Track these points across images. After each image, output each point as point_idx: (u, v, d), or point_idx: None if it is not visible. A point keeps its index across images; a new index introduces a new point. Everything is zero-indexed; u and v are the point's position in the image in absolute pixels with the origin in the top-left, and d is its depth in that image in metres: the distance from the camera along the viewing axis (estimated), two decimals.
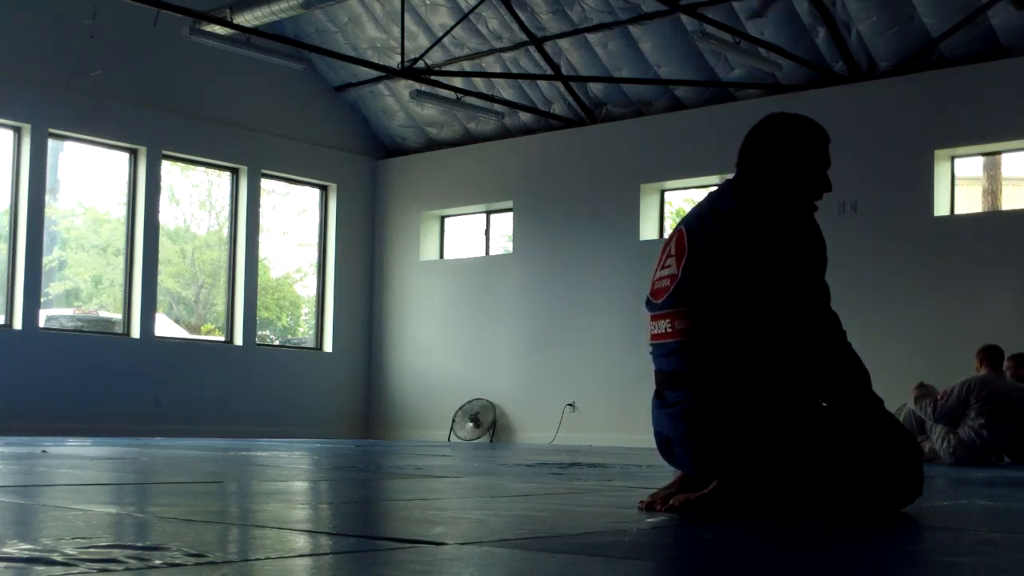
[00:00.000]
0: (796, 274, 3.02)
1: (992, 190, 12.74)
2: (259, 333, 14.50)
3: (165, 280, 13.95)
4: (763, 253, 3.01)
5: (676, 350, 3.09)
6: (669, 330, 3.11)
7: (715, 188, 3.28)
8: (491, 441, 13.69)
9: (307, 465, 6.12)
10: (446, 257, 15.14)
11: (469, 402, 14.13)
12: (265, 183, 14.52)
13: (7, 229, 12.24)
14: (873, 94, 11.51)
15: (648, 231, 13.15)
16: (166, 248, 13.91)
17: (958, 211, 11.41)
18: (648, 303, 3.20)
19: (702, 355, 3.04)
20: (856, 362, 3.06)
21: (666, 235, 13.37)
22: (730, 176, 3.33)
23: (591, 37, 12.54)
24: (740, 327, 3.01)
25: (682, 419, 3.08)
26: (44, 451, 6.94)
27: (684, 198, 15.29)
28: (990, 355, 8.39)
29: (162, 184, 13.42)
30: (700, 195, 14.86)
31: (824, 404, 3.11)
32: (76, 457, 6.35)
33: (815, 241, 3.06)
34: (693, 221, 3.16)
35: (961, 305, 10.81)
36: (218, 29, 11.53)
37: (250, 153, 14.10)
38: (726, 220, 3.06)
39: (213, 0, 11.63)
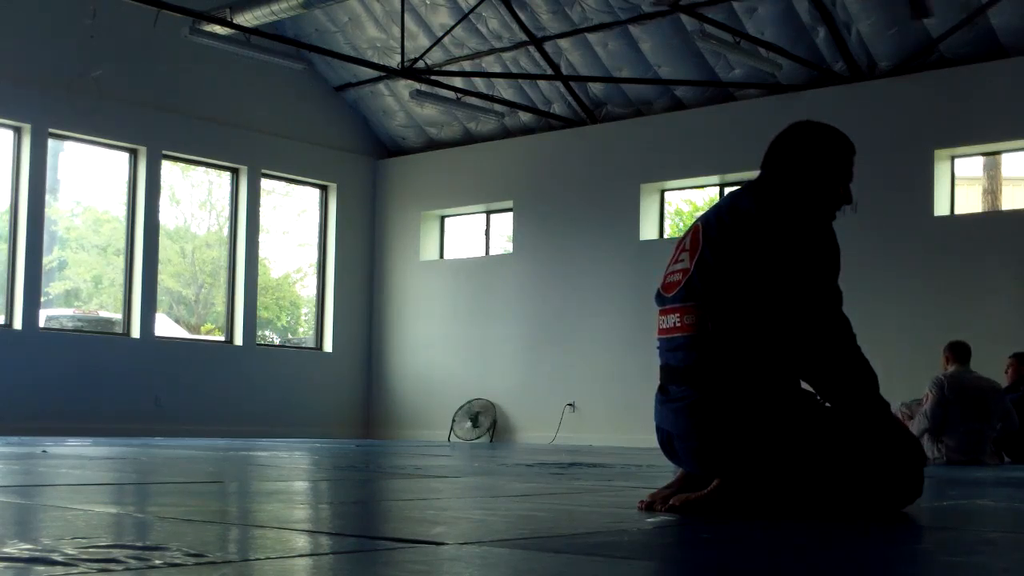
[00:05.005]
0: (807, 276, 3.02)
1: (992, 190, 12.74)
2: (259, 333, 14.50)
3: (165, 280, 13.95)
4: (775, 253, 3.01)
5: (683, 345, 3.09)
6: (678, 324, 3.11)
7: (736, 188, 3.29)
8: (491, 441, 13.69)
9: (307, 465, 6.12)
10: (446, 257, 15.14)
11: (469, 402, 14.13)
12: (265, 183, 14.52)
13: (7, 229, 12.25)
14: (873, 94, 11.51)
15: (648, 231, 13.15)
16: (166, 248, 13.91)
17: (958, 211, 11.41)
18: (658, 296, 3.21)
19: (708, 351, 3.04)
20: (864, 366, 3.07)
21: (667, 235, 13.44)
22: (744, 176, 3.34)
23: (591, 37, 12.54)
24: (748, 325, 3.02)
25: (685, 415, 3.08)
26: (44, 451, 6.94)
27: (684, 198, 15.30)
28: (956, 352, 8.28)
29: (162, 184, 13.42)
30: (700, 195, 14.91)
31: (828, 405, 3.11)
32: (76, 457, 6.35)
33: (829, 245, 3.07)
34: (710, 217, 3.17)
35: (961, 305, 10.81)
36: (218, 29, 11.53)
37: (250, 153, 14.10)
38: (742, 217, 3.07)
39: (213, 0, 11.63)
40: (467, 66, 13.51)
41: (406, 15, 12.75)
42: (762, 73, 11.91)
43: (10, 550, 1.99)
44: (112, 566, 1.82)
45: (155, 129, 13.14)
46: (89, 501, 3.25)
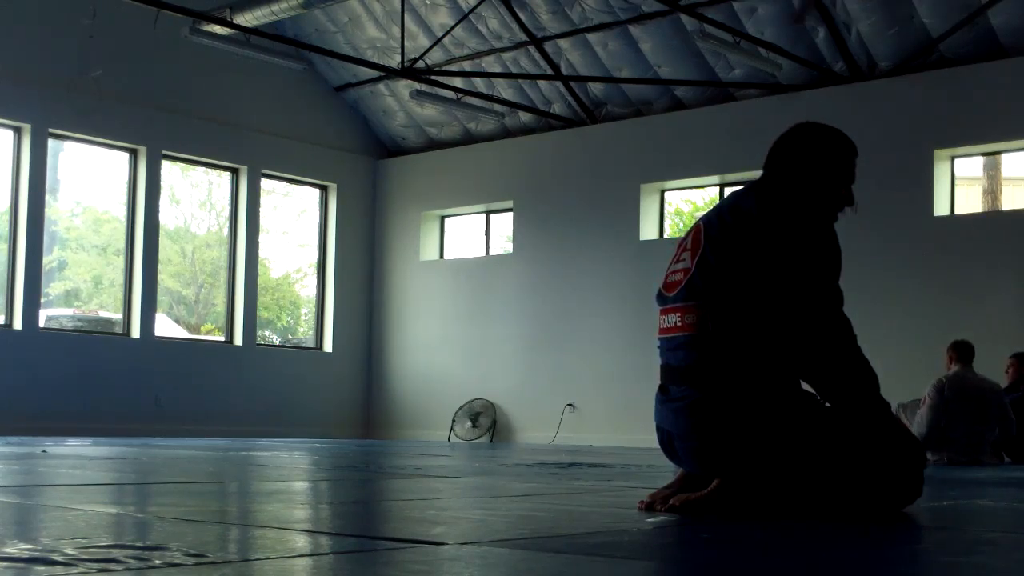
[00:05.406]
0: (808, 276, 3.03)
1: (992, 190, 12.74)
2: (259, 333, 14.50)
3: (165, 280, 13.95)
4: (777, 253, 3.02)
5: (684, 344, 3.09)
6: (678, 324, 3.11)
7: (738, 188, 3.29)
8: (491, 441, 13.69)
9: (307, 465, 6.12)
10: (446, 257, 15.14)
11: (469, 402, 14.13)
12: (265, 183, 14.52)
13: (7, 229, 12.25)
14: (873, 94, 11.51)
15: (648, 231, 13.15)
16: (166, 248, 13.90)
17: (958, 211, 11.41)
18: (659, 296, 3.21)
19: (709, 351, 3.04)
20: (865, 366, 3.07)
21: (667, 235, 13.43)
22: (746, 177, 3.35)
23: (591, 37, 12.54)
24: (748, 324, 3.02)
25: (685, 415, 3.08)
26: (44, 451, 6.94)
27: (684, 198, 15.30)
28: (959, 351, 8.19)
29: (162, 184, 13.42)
30: (700, 195, 14.90)
31: (828, 405, 3.11)
32: (76, 457, 6.35)
33: (830, 245, 3.08)
34: (712, 217, 3.17)
35: (961, 305, 10.81)
36: (218, 29, 11.54)
37: (250, 153, 14.10)
38: (743, 217, 3.08)
39: (213, 0, 11.63)
40: (467, 66, 13.51)
41: (406, 15, 12.75)
42: (762, 73, 11.91)
43: (10, 550, 1.99)
44: (112, 566, 1.82)
45: (155, 129, 13.14)
46: (89, 501, 3.25)
